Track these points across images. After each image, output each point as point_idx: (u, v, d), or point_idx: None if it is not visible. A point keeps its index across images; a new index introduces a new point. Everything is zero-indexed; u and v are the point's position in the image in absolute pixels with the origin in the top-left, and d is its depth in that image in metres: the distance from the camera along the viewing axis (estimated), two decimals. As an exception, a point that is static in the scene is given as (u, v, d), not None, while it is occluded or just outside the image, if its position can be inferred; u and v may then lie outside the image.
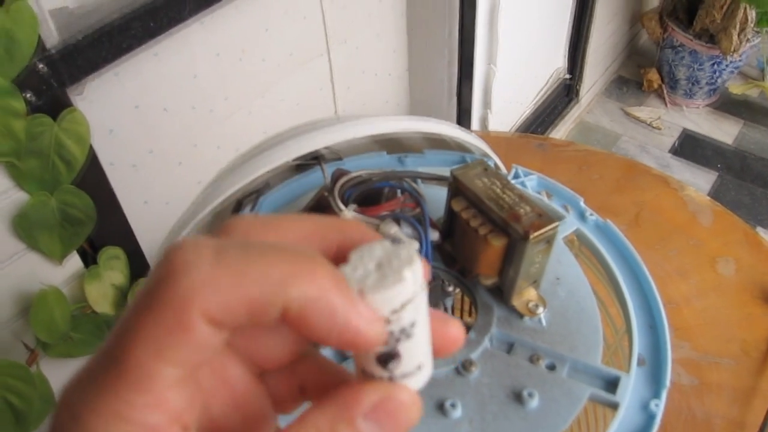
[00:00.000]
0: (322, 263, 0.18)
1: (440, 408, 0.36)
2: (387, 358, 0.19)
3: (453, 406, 0.36)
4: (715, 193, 1.95)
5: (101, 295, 0.88)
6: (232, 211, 0.49)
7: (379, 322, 0.18)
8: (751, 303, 0.86)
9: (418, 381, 0.20)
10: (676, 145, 2.09)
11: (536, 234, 0.36)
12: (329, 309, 0.18)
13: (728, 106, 2.21)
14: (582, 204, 0.46)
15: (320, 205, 0.43)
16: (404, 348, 0.19)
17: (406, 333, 0.19)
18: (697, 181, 1.97)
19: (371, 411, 0.18)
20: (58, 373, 0.92)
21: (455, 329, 0.21)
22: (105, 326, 0.89)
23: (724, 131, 2.13)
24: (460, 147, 0.52)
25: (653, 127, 2.14)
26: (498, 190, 0.38)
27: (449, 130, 0.45)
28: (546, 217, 0.37)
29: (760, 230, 1.82)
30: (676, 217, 0.96)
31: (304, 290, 0.17)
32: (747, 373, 0.79)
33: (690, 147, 2.08)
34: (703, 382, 0.77)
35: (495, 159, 0.49)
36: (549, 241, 0.37)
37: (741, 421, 0.75)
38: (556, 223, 0.36)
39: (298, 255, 0.18)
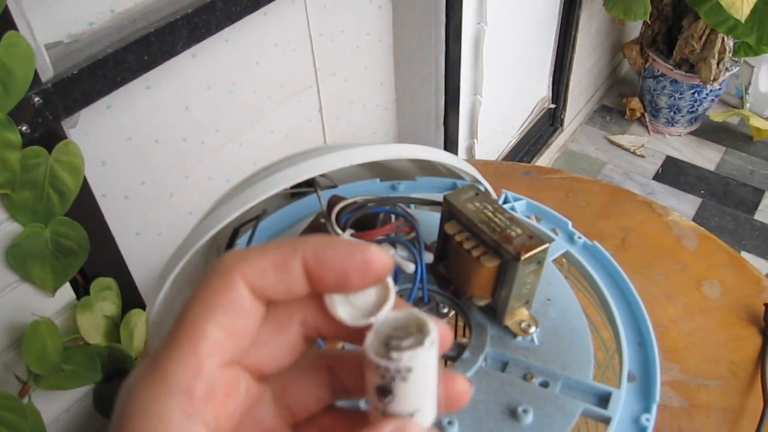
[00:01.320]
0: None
1: (437, 425, 0.37)
2: (383, 391, 0.21)
3: (450, 423, 0.36)
4: (699, 219, 1.98)
5: (93, 326, 0.88)
6: (229, 239, 0.50)
7: (385, 252, 0.22)
8: (737, 324, 0.87)
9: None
10: (659, 171, 2.12)
11: (527, 255, 0.37)
12: (338, 245, 0.22)
13: (709, 133, 2.26)
14: (570, 227, 0.48)
15: (316, 231, 0.44)
16: (399, 389, 0.21)
17: (402, 376, 0.21)
18: (681, 207, 2.00)
19: None
20: (50, 406, 0.91)
21: (461, 385, 0.23)
22: (97, 357, 0.89)
23: (706, 157, 2.18)
24: (451, 173, 0.54)
25: (637, 155, 2.17)
26: (489, 214, 0.40)
27: (440, 156, 0.46)
28: (537, 239, 0.38)
29: (744, 255, 1.84)
30: (661, 241, 0.98)
31: (312, 242, 0.22)
32: (735, 394, 0.80)
33: (673, 173, 2.12)
34: (692, 403, 0.78)
35: (485, 184, 0.51)
36: (540, 261, 0.38)
37: (731, 442, 0.75)
38: (547, 245, 0.38)
39: (304, 236, 0.24)
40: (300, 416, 0.24)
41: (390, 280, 0.23)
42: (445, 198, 0.41)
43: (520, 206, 0.50)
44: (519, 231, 0.38)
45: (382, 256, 0.22)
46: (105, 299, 0.89)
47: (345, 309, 0.23)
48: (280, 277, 0.22)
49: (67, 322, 0.88)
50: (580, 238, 0.47)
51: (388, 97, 1.53)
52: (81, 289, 0.89)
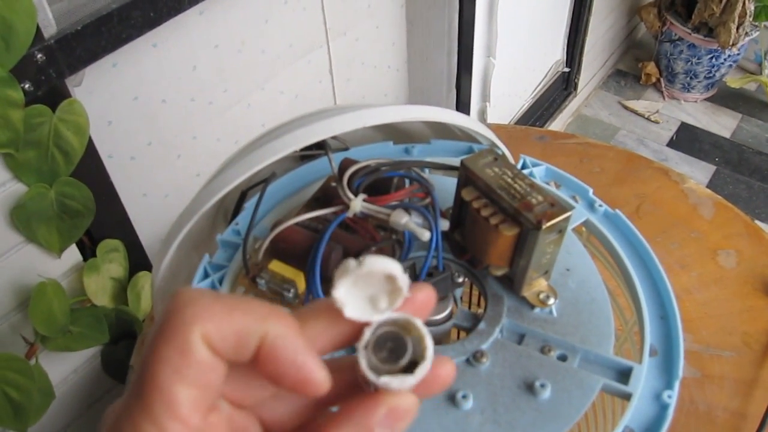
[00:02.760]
0: (291, 316, 0.22)
1: (451, 399, 0.35)
2: (373, 386, 0.22)
3: (464, 397, 0.35)
4: (712, 186, 1.95)
5: (100, 288, 0.87)
6: (237, 203, 0.49)
7: (325, 371, 0.21)
8: (752, 295, 0.86)
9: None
10: (673, 138, 2.09)
11: (549, 224, 0.35)
12: (293, 347, 0.21)
13: (726, 99, 2.21)
14: (591, 194, 0.46)
15: (327, 195, 0.43)
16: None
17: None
18: (694, 174, 1.97)
19: (383, 419, 0.21)
20: (57, 367, 0.91)
21: (446, 369, 0.23)
22: (104, 319, 0.89)
23: (722, 124, 2.13)
24: (467, 136, 0.52)
25: (651, 121, 2.13)
26: (509, 179, 0.38)
27: (457, 118, 0.44)
28: (558, 207, 0.36)
29: (758, 224, 1.82)
30: (677, 209, 0.96)
31: (277, 327, 0.21)
32: (749, 365, 0.79)
33: (687, 140, 2.08)
34: (705, 374, 0.77)
35: (503, 148, 0.49)
36: (561, 230, 0.37)
37: (743, 413, 0.75)
38: (569, 213, 0.36)
39: (273, 307, 0.22)
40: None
41: (404, 278, 0.22)
42: (462, 162, 0.39)
43: (539, 172, 0.48)
44: (540, 198, 0.37)
45: (320, 378, 0.21)
46: (112, 261, 0.88)
47: (348, 293, 0.22)
48: (236, 350, 0.21)
49: (73, 284, 0.88)
50: (601, 206, 0.45)
51: (400, 58, 1.49)
52: (88, 250, 0.88)
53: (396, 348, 0.22)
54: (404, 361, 0.22)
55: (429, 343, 0.22)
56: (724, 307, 0.85)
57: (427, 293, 0.23)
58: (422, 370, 0.21)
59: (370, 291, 0.22)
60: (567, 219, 0.36)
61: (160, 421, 0.20)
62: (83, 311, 0.87)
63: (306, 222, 0.40)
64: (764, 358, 0.81)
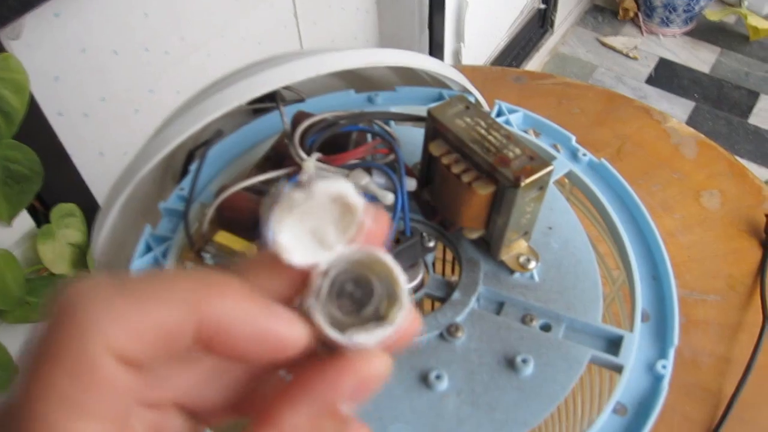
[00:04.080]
0: (230, 278, 0.17)
1: (424, 380, 0.32)
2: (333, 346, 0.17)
3: (438, 377, 0.31)
4: (692, 123, 1.92)
5: (57, 255, 0.82)
6: (183, 165, 0.44)
7: (297, 321, 0.17)
8: (737, 236, 0.83)
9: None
10: (652, 74, 2.04)
11: (528, 180, 0.31)
12: (248, 317, 0.16)
13: (705, 33, 2.16)
14: (574, 142, 0.42)
15: (279, 154, 0.38)
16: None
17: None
18: (673, 111, 1.94)
19: (350, 393, 0.17)
20: (17, 339, 0.87)
21: (375, 368, 0.18)
22: (64, 287, 0.84)
23: (701, 59, 2.09)
24: (437, 82, 0.47)
25: (630, 57, 2.08)
26: (482, 131, 0.33)
27: (424, 62, 0.39)
28: (539, 160, 0.32)
29: (738, 160, 1.80)
30: (659, 150, 0.92)
31: (217, 304, 0.16)
32: (733, 309, 0.77)
33: (666, 76, 2.04)
34: (689, 319, 0.75)
35: (476, 94, 0.44)
36: (542, 187, 0.32)
37: (728, 358, 0.73)
38: (550, 167, 0.32)
39: (202, 273, 0.17)
40: (210, 412, 0.19)
41: (357, 199, 0.17)
42: (429, 112, 0.35)
43: (515, 119, 0.43)
44: (518, 151, 0.32)
45: (296, 335, 0.17)
46: (68, 226, 0.83)
47: (289, 233, 0.17)
48: (161, 350, 0.16)
49: (29, 253, 0.83)
50: (585, 155, 0.41)
51: (369, -2, 1.42)
52: (41, 216, 0.82)
53: (359, 293, 0.17)
54: (372, 308, 0.17)
55: (401, 279, 0.17)
56: (708, 250, 0.83)
57: (379, 218, 0.18)
58: (400, 315, 0.17)
59: (313, 223, 0.17)
60: (548, 174, 0.32)
61: None
62: (41, 280, 0.83)
63: (256, 186, 0.35)
64: (749, 301, 0.79)
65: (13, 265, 0.76)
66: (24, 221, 0.81)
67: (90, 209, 0.87)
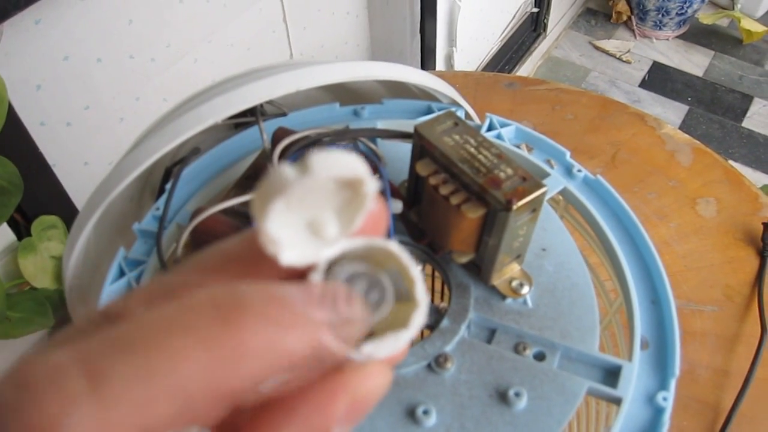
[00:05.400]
0: (249, 301, 0.13)
1: (411, 415, 0.30)
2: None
3: (426, 412, 0.30)
4: (686, 127, 1.91)
5: (39, 269, 0.80)
6: (161, 183, 0.42)
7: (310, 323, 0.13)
8: (733, 245, 0.82)
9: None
10: (645, 78, 2.03)
11: (521, 203, 0.29)
12: (273, 355, 0.13)
13: (698, 36, 2.15)
14: (568, 158, 0.40)
15: (259, 172, 0.36)
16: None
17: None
18: (667, 115, 1.93)
19: (343, 415, 0.14)
20: (0, 354, 0.85)
21: (372, 384, 0.15)
22: (47, 302, 0.82)
23: (694, 63, 2.08)
24: (425, 94, 0.45)
25: (623, 61, 2.07)
26: (472, 149, 0.31)
27: (412, 75, 0.38)
28: (531, 181, 0.30)
29: (732, 164, 1.79)
30: (654, 156, 0.91)
31: (248, 369, 0.12)
32: (730, 320, 0.76)
33: (660, 80, 2.03)
34: (686, 330, 0.73)
35: (466, 107, 0.42)
36: (535, 209, 0.31)
37: (725, 370, 0.71)
38: (544, 188, 0.30)
39: (212, 321, 0.12)
40: None
41: (367, 177, 0.14)
42: (416, 129, 0.33)
43: (507, 133, 0.41)
44: (509, 171, 0.30)
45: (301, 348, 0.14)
46: (50, 239, 0.81)
47: (280, 223, 0.13)
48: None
49: (9, 267, 0.81)
50: (579, 171, 0.39)
51: (360, 3, 1.40)
52: (22, 229, 0.80)
53: (367, 295, 0.14)
54: (382, 312, 0.14)
55: (416, 275, 0.14)
56: (705, 259, 0.81)
57: (379, 205, 0.15)
58: (417, 318, 0.14)
59: (310, 209, 0.14)
60: (542, 196, 0.30)
61: None
62: (22, 295, 0.80)
63: (233, 208, 0.33)
64: (747, 311, 0.77)
65: (-7, 279, 0.74)
66: (4, 234, 0.79)
67: (73, 221, 0.85)
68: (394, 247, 0.14)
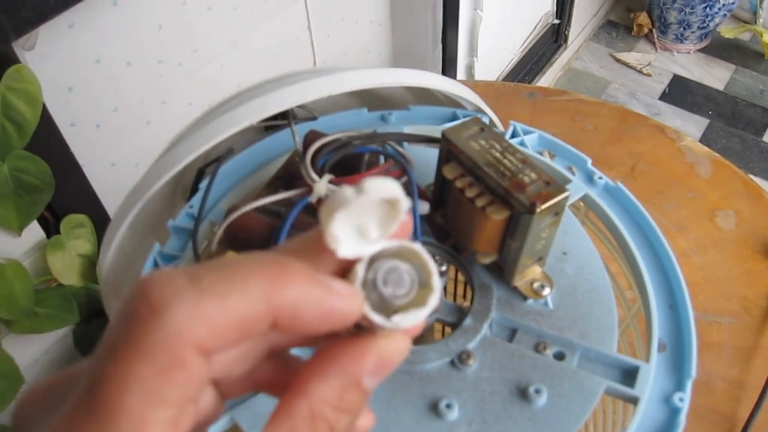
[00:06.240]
0: (293, 262, 0.18)
1: (434, 409, 0.31)
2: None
3: (449, 406, 0.31)
4: (706, 140, 1.90)
5: (67, 266, 0.82)
6: (193, 182, 0.43)
7: (356, 295, 0.19)
8: (751, 258, 0.82)
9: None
10: (666, 91, 2.03)
11: (544, 206, 0.30)
12: (314, 302, 0.18)
13: (719, 50, 2.15)
14: (589, 165, 0.41)
15: (290, 174, 0.38)
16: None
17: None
18: (687, 128, 1.92)
19: (372, 368, 0.19)
20: (27, 349, 0.86)
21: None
22: (73, 299, 0.84)
23: (715, 76, 2.08)
24: (450, 101, 0.46)
25: (643, 73, 2.07)
26: (497, 154, 0.33)
27: (439, 82, 0.39)
28: (555, 186, 0.31)
29: (752, 178, 1.78)
30: (673, 168, 0.92)
31: (290, 292, 0.17)
32: (748, 332, 0.76)
33: (680, 93, 2.02)
34: (702, 341, 0.74)
35: (490, 114, 0.43)
36: (558, 212, 0.32)
37: (742, 381, 0.72)
38: (567, 193, 0.31)
39: (270, 262, 0.18)
40: (232, 388, 0.21)
41: (404, 199, 0.19)
42: (443, 134, 0.34)
43: (530, 140, 0.43)
44: (533, 176, 0.32)
45: (355, 308, 0.19)
46: (78, 237, 0.83)
47: (339, 227, 0.18)
48: (238, 341, 0.17)
49: (38, 264, 0.83)
50: (600, 178, 0.40)
51: (383, 12, 1.42)
52: (51, 227, 0.82)
53: (396, 281, 0.19)
54: (408, 294, 0.19)
55: (433, 268, 0.19)
56: (722, 271, 0.82)
57: (408, 217, 0.20)
58: (433, 299, 0.19)
59: (360, 218, 0.19)
60: (565, 200, 0.31)
61: None
62: (50, 291, 0.82)
63: (266, 206, 0.35)
64: (764, 324, 0.77)
65: (22, 275, 0.76)
66: (34, 232, 0.81)
67: (100, 221, 0.86)
68: (418, 247, 0.19)
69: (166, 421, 0.16)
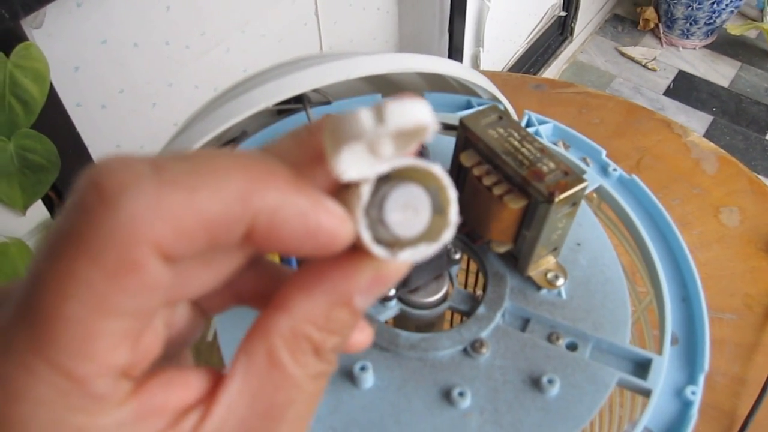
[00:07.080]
0: (278, 165, 0.15)
1: (446, 396, 0.31)
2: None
3: (461, 394, 0.31)
4: (709, 137, 1.90)
5: (70, 246, 0.82)
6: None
7: (349, 221, 0.16)
8: (755, 255, 0.82)
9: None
10: (670, 86, 2.02)
11: (563, 196, 0.30)
12: (298, 214, 0.15)
13: (725, 47, 2.14)
14: (604, 156, 0.41)
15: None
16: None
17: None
18: (691, 124, 1.92)
19: (366, 286, 0.16)
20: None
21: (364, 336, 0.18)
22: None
23: (720, 73, 2.07)
24: (465, 89, 0.46)
25: (648, 68, 2.07)
26: (516, 143, 0.33)
27: (455, 69, 0.39)
28: (573, 176, 0.31)
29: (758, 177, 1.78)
30: (679, 163, 0.92)
31: (268, 198, 0.14)
32: (749, 329, 0.76)
33: (685, 89, 2.02)
34: (704, 338, 0.74)
35: (505, 103, 0.43)
36: (575, 203, 0.32)
37: (743, 378, 0.72)
38: (585, 183, 0.31)
39: (250, 159, 0.15)
40: (205, 296, 0.17)
41: (433, 125, 0.15)
42: (461, 122, 0.34)
43: (545, 130, 0.42)
44: (552, 165, 0.31)
45: (345, 232, 0.16)
46: (82, 217, 0.83)
47: (349, 154, 0.15)
48: (210, 244, 0.14)
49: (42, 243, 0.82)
50: (615, 170, 0.40)
51: (390, -1, 1.41)
52: (56, 207, 0.82)
53: (406, 206, 0.16)
54: (419, 226, 0.16)
55: (453, 194, 0.16)
56: (726, 268, 0.82)
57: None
58: (446, 234, 0.16)
59: (371, 144, 0.15)
60: (582, 190, 0.31)
61: (63, 364, 0.13)
62: (53, 271, 0.82)
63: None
64: (766, 321, 0.78)
65: (26, 254, 0.76)
66: (38, 211, 0.81)
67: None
68: (437, 168, 0.16)
69: (120, 335, 0.14)
